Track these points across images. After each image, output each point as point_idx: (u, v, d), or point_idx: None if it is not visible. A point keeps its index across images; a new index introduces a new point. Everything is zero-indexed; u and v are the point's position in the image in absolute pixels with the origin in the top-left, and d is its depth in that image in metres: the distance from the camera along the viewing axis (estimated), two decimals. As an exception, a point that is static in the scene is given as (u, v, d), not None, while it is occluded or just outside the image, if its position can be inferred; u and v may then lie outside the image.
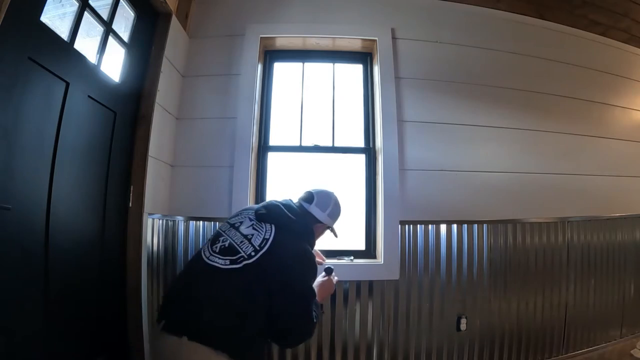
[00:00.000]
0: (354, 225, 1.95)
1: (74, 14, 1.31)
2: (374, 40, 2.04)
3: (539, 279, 1.92)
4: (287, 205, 1.21)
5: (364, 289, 1.78)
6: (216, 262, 1.04)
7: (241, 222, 1.16)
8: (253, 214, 1.18)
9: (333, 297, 1.74)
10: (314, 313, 1.09)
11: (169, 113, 1.85)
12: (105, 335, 1.50)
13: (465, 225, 1.86)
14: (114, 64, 1.57)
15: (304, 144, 2.04)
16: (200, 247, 1.17)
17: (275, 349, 1.71)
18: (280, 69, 2.17)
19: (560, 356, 1.94)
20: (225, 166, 1.86)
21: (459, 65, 2.07)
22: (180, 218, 1.79)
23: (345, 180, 2.02)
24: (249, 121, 1.88)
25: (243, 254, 1.05)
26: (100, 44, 1.47)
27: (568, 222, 2.01)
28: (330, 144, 2.05)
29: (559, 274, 1.96)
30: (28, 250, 1.14)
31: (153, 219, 1.74)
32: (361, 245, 1.94)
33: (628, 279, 2.11)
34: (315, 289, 1.19)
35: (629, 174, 2.23)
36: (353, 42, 2.09)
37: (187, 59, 1.99)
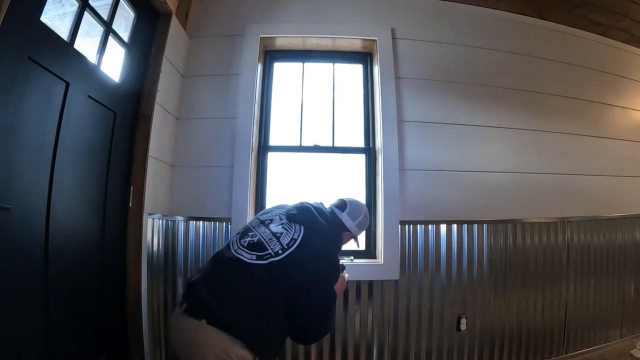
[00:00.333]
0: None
1: (74, 14, 1.31)
2: (374, 40, 2.04)
3: (539, 279, 1.92)
4: (319, 209, 1.24)
5: (364, 289, 1.78)
6: (243, 256, 1.06)
7: (271, 220, 1.19)
8: (284, 213, 1.21)
9: (333, 297, 1.74)
10: (333, 312, 1.13)
11: (169, 113, 1.85)
12: (105, 335, 1.50)
13: (465, 225, 1.86)
14: (114, 64, 1.57)
15: (304, 144, 2.04)
16: (229, 239, 1.20)
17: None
18: (280, 69, 2.17)
19: (560, 356, 1.94)
20: (225, 166, 1.86)
21: (459, 65, 2.07)
22: (180, 218, 1.79)
23: (345, 180, 2.02)
24: (249, 121, 1.88)
25: (270, 251, 1.07)
26: (100, 44, 1.47)
27: (568, 222, 2.01)
28: (330, 144, 2.05)
29: (559, 274, 1.96)
30: (28, 250, 1.14)
31: (153, 219, 1.74)
32: (361, 245, 1.93)
33: (628, 279, 2.11)
34: None
35: (629, 174, 2.23)
36: (353, 42, 2.09)
37: (187, 59, 1.99)
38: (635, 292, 2.12)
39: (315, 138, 2.06)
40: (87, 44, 1.39)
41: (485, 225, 1.89)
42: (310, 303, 1.06)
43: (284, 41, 2.09)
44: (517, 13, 2.20)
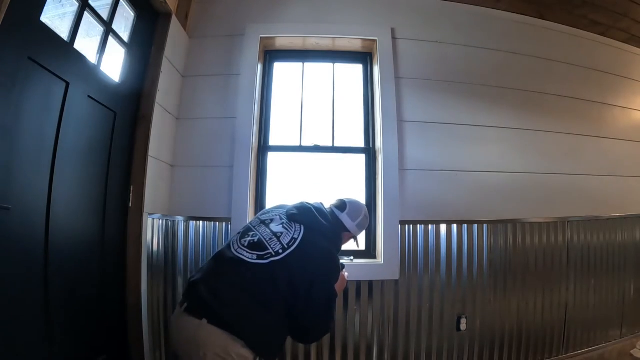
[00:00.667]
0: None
1: (74, 14, 1.31)
2: (374, 40, 2.04)
3: (539, 279, 1.92)
4: (319, 210, 1.24)
5: (364, 289, 1.78)
6: (243, 255, 1.07)
7: (272, 220, 1.20)
8: (285, 213, 1.22)
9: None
10: (333, 311, 1.14)
11: (169, 113, 1.85)
12: (105, 335, 1.50)
13: (465, 225, 1.86)
14: (114, 64, 1.57)
15: (304, 144, 2.04)
16: (229, 239, 1.21)
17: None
18: (280, 69, 2.17)
19: (560, 356, 1.94)
20: (225, 166, 1.86)
21: (459, 65, 2.07)
22: (180, 218, 1.79)
23: (345, 180, 2.02)
24: (249, 121, 1.88)
25: (271, 250, 1.08)
26: (100, 44, 1.47)
27: (568, 222, 2.01)
28: (330, 144, 2.04)
29: (559, 274, 1.96)
30: (28, 250, 1.14)
31: (153, 219, 1.74)
32: (361, 245, 1.93)
33: (628, 279, 2.11)
34: None
35: (629, 174, 2.23)
36: (353, 42, 2.09)
37: (187, 59, 1.99)
38: (635, 292, 2.12)
39: (315, 138, 2.06)
40: (87, 44, 1.39)
41: (485, 225, 1.89)
42: (311, 302, 1.06)
43: (284, 41, 2.09)
44: (517, 13, 2.20)
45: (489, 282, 1.86)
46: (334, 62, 2.18)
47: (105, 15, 1.48)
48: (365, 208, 1.37)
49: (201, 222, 1.79)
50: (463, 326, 1.80)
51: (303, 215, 1.19)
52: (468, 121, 2.01)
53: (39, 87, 1.17)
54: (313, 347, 1.74)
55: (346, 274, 1.34)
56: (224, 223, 1.78)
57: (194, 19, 2.04)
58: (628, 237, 2.14)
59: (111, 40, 1.52)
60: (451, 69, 2.05)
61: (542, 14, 2.23)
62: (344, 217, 1.28)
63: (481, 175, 1.96)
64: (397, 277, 1.78)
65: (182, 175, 1.88)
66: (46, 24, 1.18)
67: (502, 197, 1.96)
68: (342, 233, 1.30)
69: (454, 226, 1.86)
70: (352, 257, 1.83)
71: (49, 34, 1.20)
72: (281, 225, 1.16)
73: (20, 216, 1.09)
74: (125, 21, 1.65)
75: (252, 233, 1.15)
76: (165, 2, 1.73)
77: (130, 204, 1.62)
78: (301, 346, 1.72)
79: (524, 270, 1.91)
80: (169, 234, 1.78)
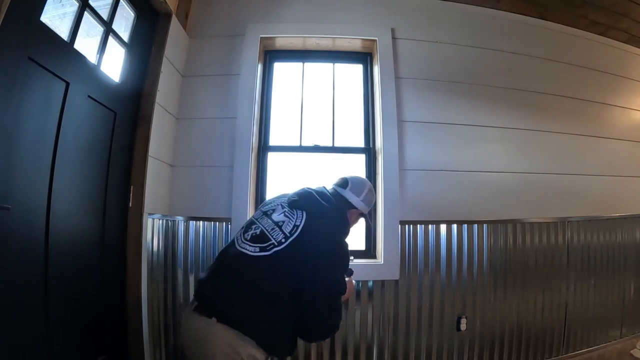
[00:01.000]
0: (353, 225, 1.95)
1: (74, 14, 1.31)
2: (374, 40, 2.04)
3: (539, 279, 1.92)
4: (321, 193, 1.19)
5: (364, 289, 1.78)
6: (246, 250, 1.05)
7: (273, 210, 1.16)
8: (286, 201, 1.17)
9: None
10: (340, 306, 1.08)
11: (169, 113, 1.85)
12: (105, 335, 1.50)
13: (465, 225, 1.86)
14: (114, 64, 1.57)
15: (304, 144, 2.04)
16: (235, 235, 1.18)
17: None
18: (280, 69, 2.17)
19: (560, 356, 1.94)
20: (225, 166, 1.86)
21: (459, 65, 2.07)
22: (180, 218, 1.79)
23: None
24: (249, 121, 1.88)
25: (273, 241, 1.04)
26: (100, 44, 1.47)
27: (568, 222, 2.01)
28: (330, 144, 2.04)
29: (559, 274, 1.96)
30: (28, 250, 1.14)
31: (153, 219, 1.74)
32: (361, 245, 1.93)
33: (628, 279, 2.11)
34: None
35: (629, 174, 2.23)
36: (353, 42, 2.09)
37: (187, 59, 1.99)
38: (635, 292, 2.12)
39: (315, 138, 2.06)
40: (87, 44, 1.39)
41: (485, 225, 1.89)
42: (317, 293, 1.01)
43: (284, 41, 2.09)
44: (517, 13, 2.20)
45: (489, 282, 1.86)
46: (334, 62, 2.18)
47: (105, 15, 1.47)
48: (370, 183, 1.31)
49: (201, 222, 1.79)
50: (463, 326, 1.80)
51: (304, 200, 1.14)
52: (468, 121, 2.01)
53: (39, 87, 1.16)
54: (313, 347, 1.74)
55: (354, 281, 1.31)
56: (224, 223, 1.78)
57: (194, 19, 2.04)
58: (628, 237, 2.14)
59: (111, 40, 1.52)
60: (451, 69, 2.05)
61: (542, 14, 2.23)
62: (347, 193, 1.23)
63: (481, 175, 1.96)
64: (397, 277, 1.78)
65: (182, 175, 1.88)
66: (46, 24, 1.18)
67: (502, 197, 1.96)
68: (348, 212, 1.22)
69: (454, 226, 1.86)
70: (352, 257, 1.83)
71: (49, 34, 1.20)
72: (283, 214, 1.12)
73: (20, 216, 1.09)
74: (125, 21, 1.65)
75: (254, 226, 1.12)
76: (165, 2, 1.73)
77: (130, 204, 1.62)
78: (301, 346, 1.72)
79: (524, 270, 1.91)
80: (169, 234, 1.78)
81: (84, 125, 1.38)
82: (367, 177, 2.00)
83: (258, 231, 1.09)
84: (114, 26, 1.53)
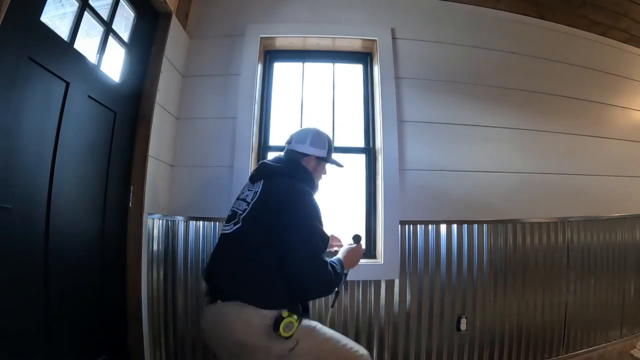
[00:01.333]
0: (354, 225, 1.95)
1: (74, 14, 1.31)
2: (374, 40, 2.04)
3: (539, 279, 1.92)
4: (274, 159, 1.28)
5: (364, 288, 1.78)
6: (225, 230, 1.16)
7: (242, 192, 1.25)
8: (249, 179, 1.28)
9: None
10: (325, 259, 1.09)
11: (169, 113, 1.85)
12: (105, 335, 1.50)
13: (465, 225, 1.86)
14: (114, 64, 1.57)
15: (304, 144, 2.04)
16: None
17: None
18: (280, 68, 2.17)
19: (560, 356, 1.94)
20: (225, 166, 1.86)
21: (459, 65, 2.07)
22: (180, 218, 1.79)
23: (345, 180, 2.02)
24: (248, 121, 1.88)
25: (239, 211, 1.15)
26: (100, 44, 1.47)
27: (568, 222, 2.01)
28: (330, 144, 2.04)
29: (559, 274, 1.96)
30: (28, 250, 1.14)
31: (153, 219, 1.74)
32: (362, 245, 1.93)
33: (628, 279, 2.11)
34: (343, 255, 1.24)
35: (629, 174, 2.23)
36: (353, 42, 2.09)
37: (187, 59, 1.99)
38: (635, 292, 2.12)
39: (315, 138, 2.05)
40: (87, 44, 1.39)
41: (485, 225, 1.89)
42: (290, 242, 1.04)
43: (284, 41, 2.09)
44: (517, 13, 2.20)
45: (489, 282, 1.86)
46: (334, 62, 2.18)
47: (105, 15, 1.48)
48: (315, 128, 1.34)
49: (201, 222, 1.79)
50: (463, 326, 1.80)
51: (259, 170, 1.24)
52: (468, 121, 2.01)
53: (39, 87, 1.16)
54: (313, 347, 1.73)
55: (363, 246, 1.33)
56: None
57: (194, 19, 2.04)
58: (628, 237, 2.14)
59: (111, 40, 1.52)
60: (451, 69, 2.05)
61: (542, 14, 2.23)
62: (294, 146, 1.28)
63: (481, 175, 1.96)
64: (397, 277, 1.78)
65: (182, 175, 1.88)
66: (46, 24, 1.18)
67: (502, 197, 1.96)
68: (301, 160, 1.26)
69: (454, 226, 1.86)
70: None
71: (49, 34, 1.20)
72: (247, 190, 1.22)
73: (21, 216, 1.09)
74: (125, 21, 1.65)
75: (230, 213, 1.22)
76: (165, 2, 1.73)
77: (130, 204, 1.62)
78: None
79: (524, 270, 1.91)
80: (169, 234, 1.78)
81: (84, 125, 1.38)
82: (367, 177, 2.00)
83: (230, 212, 1.20)
84: (114, 26, 1.53)
